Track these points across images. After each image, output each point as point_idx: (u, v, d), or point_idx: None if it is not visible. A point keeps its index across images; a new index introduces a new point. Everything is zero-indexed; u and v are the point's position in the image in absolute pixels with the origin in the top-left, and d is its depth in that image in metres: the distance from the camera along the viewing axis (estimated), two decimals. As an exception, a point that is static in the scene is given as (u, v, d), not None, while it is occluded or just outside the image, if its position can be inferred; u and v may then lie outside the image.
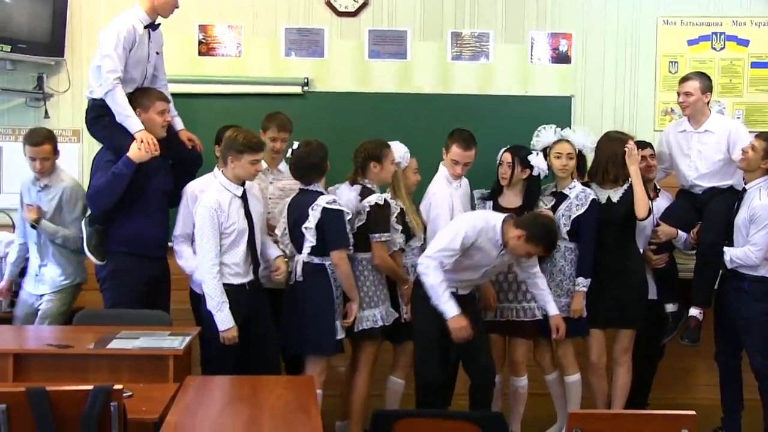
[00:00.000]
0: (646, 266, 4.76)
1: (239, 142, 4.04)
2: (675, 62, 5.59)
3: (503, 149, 4.65)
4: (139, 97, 4.33)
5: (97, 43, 4.30)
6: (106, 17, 5.29)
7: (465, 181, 4.66)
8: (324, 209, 4.17)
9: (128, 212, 4.29)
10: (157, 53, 4.52)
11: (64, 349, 3.55)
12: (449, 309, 4.03)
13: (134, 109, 4.25)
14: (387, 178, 4.39)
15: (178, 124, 4.60)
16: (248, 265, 4.10)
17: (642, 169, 4.73)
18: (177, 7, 4.46)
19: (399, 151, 4.52)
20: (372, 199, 4.33)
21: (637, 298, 4.58)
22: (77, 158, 5.38)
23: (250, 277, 4.12)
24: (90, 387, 2.77)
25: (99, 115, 4.30)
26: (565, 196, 4.59)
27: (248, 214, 4.12)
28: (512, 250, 4.10)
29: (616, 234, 4.53)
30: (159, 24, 4.48)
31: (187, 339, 3.69)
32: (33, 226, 4.66)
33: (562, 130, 4.69)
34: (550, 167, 4.58)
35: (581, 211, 4.52)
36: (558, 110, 5.43)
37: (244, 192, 4.12)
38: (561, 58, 5.57)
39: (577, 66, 5.58)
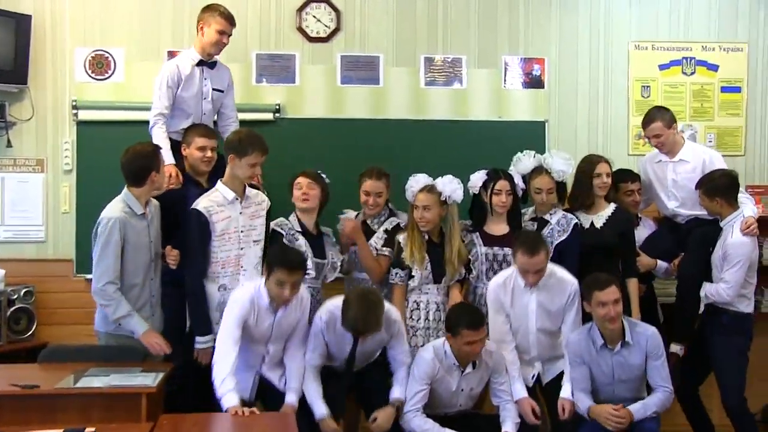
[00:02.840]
0: None
1: None
2: (647, 86, 5.60)
3: (483, 175, 4.50)
4: (185, 133, 4.48)
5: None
6: (71, 44, 5.22)
7: (561, 281, 4.20)
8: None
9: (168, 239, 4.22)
10: (220, 90, 4.71)
11: (30, 389, 3.37)
12: None
13: (181, 143, 4.44)
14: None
15: None
16: None
17: (628, 203, 4.76)
18: (222, 44, 4.62)
19: (411, 185, 4.42)
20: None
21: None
22: (41, 189, 5.21)
23: None
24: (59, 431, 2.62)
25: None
26: (545, 222, 4.51)
27: None
28: (462, 356, 3.99)
29: (600, 260, 4.43)
30: (215, 62, 4.67)
31: (160, 376, 3.54)
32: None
33: (541, 155, 4.61)
34: (528, 194, 4.55)
35: (563, 237, 4.44)
36: (532, 135, 5.41)
37: None
38: (534, 82, 5.55)
39: (551, 91, 5.56)
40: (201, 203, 4.07)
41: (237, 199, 4.13)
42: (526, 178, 4.52)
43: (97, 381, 3.44)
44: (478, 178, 4.51)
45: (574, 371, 4.11)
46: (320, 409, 3.88)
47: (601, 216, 4.55)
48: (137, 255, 4.00)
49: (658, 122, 4.70)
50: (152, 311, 4.08)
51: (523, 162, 4.56)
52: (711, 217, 4.58)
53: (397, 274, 4.37)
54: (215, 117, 4.81)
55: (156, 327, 4.05)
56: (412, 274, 4.33)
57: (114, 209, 3.98)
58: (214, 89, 4.67)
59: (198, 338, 4.02)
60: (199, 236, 4.04)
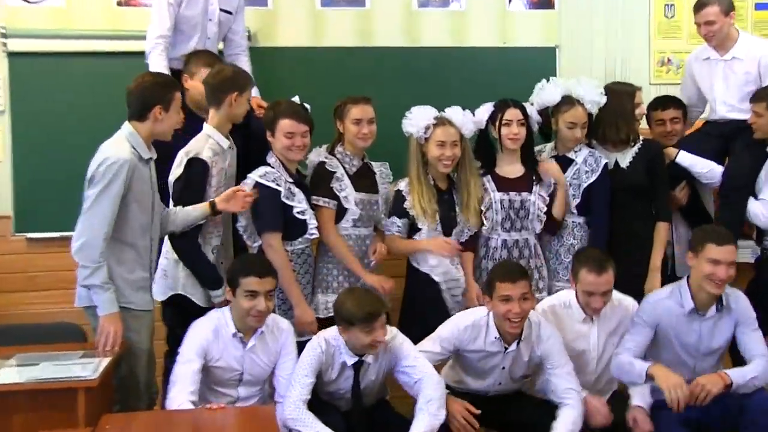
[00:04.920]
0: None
1: None
2: (671, 5, 4.91)
3: (490, 107, 3.92)
4: (188, 61, 3.94)
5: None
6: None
7: (621, 306, 3.58)
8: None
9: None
10: (228, 12, 4.18)
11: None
12: None
13: (184, 74, 3.91)
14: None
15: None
16: None
17: (658, 134, 4.17)
18: None
19: (418, 118, 3.77)
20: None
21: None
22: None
23: None
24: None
25: None
26: (570, 161, 3.92)
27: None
28: (502, 324, 3.35)
29: (629, 203, 3.91)
30: None
31: (104, 363, 2.86)
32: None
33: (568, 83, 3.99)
34: (555, 131, 3.95)
35: (592, 179, 3.87)
36: (540, 63, 4.77)
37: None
38: (543, 3, 4.85)
39: (562, 12, 4.85)
40: (204, 152, 3.46)
41: (231, 147, 3.56)
42: (548, 112, 3.92)
43: (20, 373, 2.76)
44: (484, 111, 3.93)
45: (636, 332, 3.45)
46: None
47: (626, 154, 3.98)
48: (141, 208, 3.31)
49: (715, 6, 4.07)
50: (152, 280, 3.41)
51: (548, 92, 3.93)
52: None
53: (394, 224, 3.77)
54: (220, 44, 4.20)
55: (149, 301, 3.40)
56: (419, 227, 3.74)
57: (121, 149, 3.22)
58: (221, 9, 4.13)
59: (213, 293, 3.47)
60: (200, 189, 3.47)
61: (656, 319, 3.42)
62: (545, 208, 3.84)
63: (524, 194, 3.83)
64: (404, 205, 3.75)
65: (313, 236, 3.68)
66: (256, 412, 2.84)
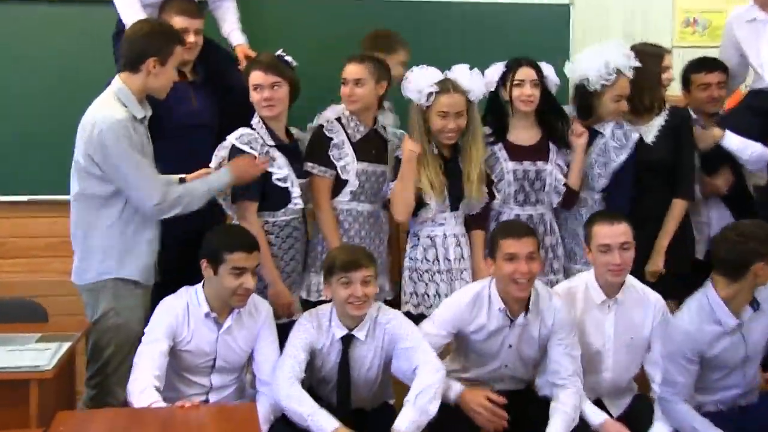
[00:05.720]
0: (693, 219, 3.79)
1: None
2: (700, -45, 4.62)
3: (501, 67, 3.57)
4: (160, 9, 3.54)
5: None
6: None
7: (644, 296, 3.23)
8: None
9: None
10: None
11: None
12: None
13: None
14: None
15: (236, 38, 3.76)
16: None
17: (702, 100, 3.80)
18: None
19: (419, 82, 3.38)
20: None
21: (685, 259, 3.64)
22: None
23: None
24: None
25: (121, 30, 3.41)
26: (596, 133, 3.58)
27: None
28: (507, 292, 3.03)
29: (653, 183, 3.59)
30: None
31: (62, 349, 2.53)
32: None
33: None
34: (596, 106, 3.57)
35: (623, 157, 3.54)
36: (553, 22, 4.50)
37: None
38: (556, -46, 4.55)
39: (576, -36, 4.57)
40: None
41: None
42: (588, 86, 3.54)
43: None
44: (494, 71, 3.58)
45: (682, 372, 3.03)
46: (329, 421, 2.81)
47: (651, 127, 3.64)
48: None
49: None
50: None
51: (590, 63, 3.53)
52: None
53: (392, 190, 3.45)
54: None
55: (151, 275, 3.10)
56: (426, 201, 3.40)
57: (114, 110, 2.94)
58: None
59: None
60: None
61: (701, 350, 3.04)
62: (563, 180, 3.52)
63: (540, 163, 3.50)
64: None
65: (297, 206, 3.34)
66: (235, 412, 2.50)
